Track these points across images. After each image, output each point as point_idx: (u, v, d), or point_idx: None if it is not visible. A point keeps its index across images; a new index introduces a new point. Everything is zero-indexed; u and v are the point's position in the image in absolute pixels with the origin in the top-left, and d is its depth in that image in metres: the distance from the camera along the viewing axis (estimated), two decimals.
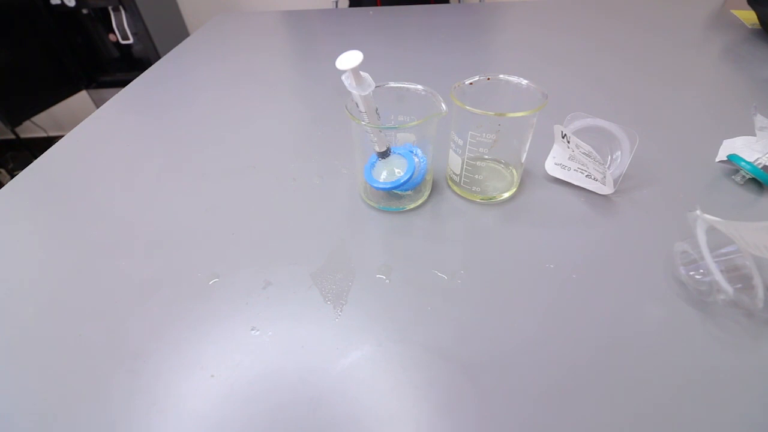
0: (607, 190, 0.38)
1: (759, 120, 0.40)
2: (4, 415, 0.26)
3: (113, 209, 0.42)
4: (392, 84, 0.37)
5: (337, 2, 1.44)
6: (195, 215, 0.40)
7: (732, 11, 0.82)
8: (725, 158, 0.40)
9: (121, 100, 0.64)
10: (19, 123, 1.56)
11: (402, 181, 0.36)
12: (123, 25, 1.54)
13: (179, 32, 1.76)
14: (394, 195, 0.39)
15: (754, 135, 0.40)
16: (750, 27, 0.75)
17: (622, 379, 0.25)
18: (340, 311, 0.30)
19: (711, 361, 0.26)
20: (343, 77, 0.32)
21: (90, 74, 1.69)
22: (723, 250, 0.28)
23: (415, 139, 0.36)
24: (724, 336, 0.27)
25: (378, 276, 0.33)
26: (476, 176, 0.39)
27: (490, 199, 0.39)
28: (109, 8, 1.51)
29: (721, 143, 0.42)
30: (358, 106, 0.33)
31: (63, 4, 1.46)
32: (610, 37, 0.75)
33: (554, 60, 0.67)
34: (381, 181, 0.37)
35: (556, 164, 0.41)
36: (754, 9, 0.70)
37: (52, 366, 0.28)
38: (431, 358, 0.27)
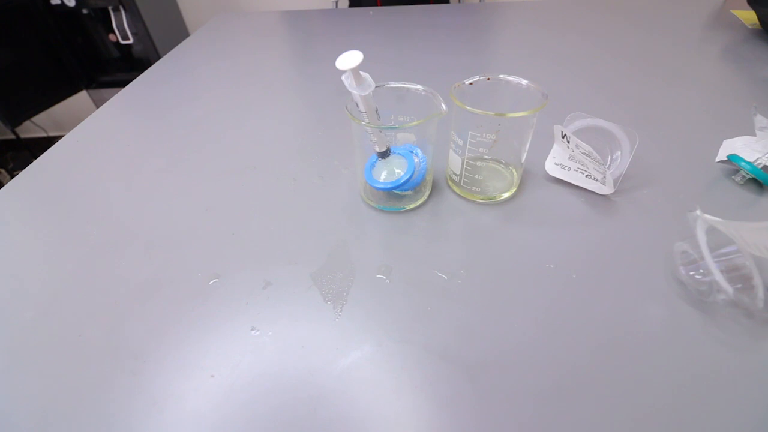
0: (607, 190, 0.38)
1: (759, 120, 0.40)
2: (4, 415, 0.26)
3: (113, 209, 0.42)
4: (392, 84, 0.37)
5: (337, 2, 1.44)
6: (195, 215, 0.40)
7: (732, 11, 0.82)
8: (725, 158, 0.40)
9: (121, 100, 0.64)
10: (19, 123, 1.56)
11: (402, 181, 0.36)
12: (123, 25, 1.54)
13: (179, 32, 1.76)
14: (394, 195, 0.39)
15: (754, 135, 0.40)
16: (750, 27, 0.74)
17: (622, 379, 0.25)
18: (340, 311, 0.30)
19: (711, 361, 0.26)
20: (343, 77, 0.32)
21: (90, 74, 1.69)
22: (723, 250, 0.28)
23: (415, 139, 0.36)
24: (724, 336, 0.27)
25: (378, 276, 0.33)
26: (476, 176, 0.39)
27: (490, 199, 0.39)
28: (109, 8, 1.50)
29: (721, 143, 0.42)
30: (358, 106, 0.33)
31: (63, 4, 1.46)
32: (610, 37, 0.75)
33: (554, 60, 0.67)
34: (381, 181, 0.37)
35: (556, 164, 0.41)
36: (754, 9, 0.70)
37: (52, 366, 0.28)
38: (431, 358, 0.27)
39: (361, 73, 0.32)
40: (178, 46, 0.84)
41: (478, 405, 0.25)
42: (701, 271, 0.29)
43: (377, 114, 0.34)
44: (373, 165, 0.38)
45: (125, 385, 0.27)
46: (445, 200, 0.40)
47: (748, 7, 0.71)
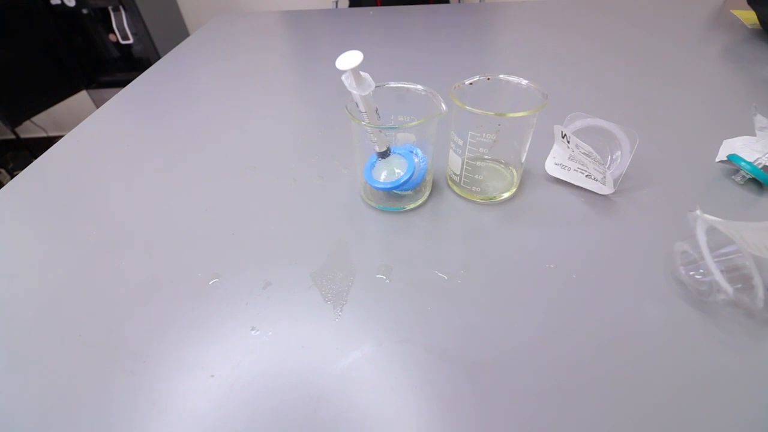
0: (607, 190, 0.38)
1: (759, 120, 0.40)
2: (4, 415, 0.26)
3: (113, 209, 0.42)
4: (392, 84, 0.37)
5: (337, 2, 1.44)
6: (195, 215, 0.40)
7: (732, 11, 0.82)
8: (725, 158, 0.40)
9: (121, 100, 0.64)
10: (19, 123, 1.56)
11: (402, 181, 0.36)
12: (123, 25, 1.54)
13: (179, 32, 1.76)
14: (394, 195, 0.39)
15: (754, 135, 0.40)
16: (750, 27, 0.74)
17: (622, 379, 0.25)
18: (340, 311, 0.30)
19: (711, 361, 0.26)
20: (343, 77, 0.32)
21: (90, 74, 1.69)
22: (723, 250, 0.28)
23: (415, 139, 0.36)
24: (724, 336, 0.27)
25: (378, 276, 0.33)
26: (476, 176, 0.39)
27: (490, 199, 0.39)
28: (109, 8, 1.50)
29: (721, 143, 0.42)
30: (358, 106, 0.33)
31: (63, 4, 1.46)
32: (609, 37, 0.75)
33: (554, 60, 0.67)
34: (381, 181, 0.37)
35: (556, 164, 0.41)
36: (754, 9, 0.70)
37: (52, 366, 0.28)
38: (431, 358, 0.27)
39: (361, 73, 0.32)
40: (178, 46, 0.84)
41: (478, 405, 0.25)
42: (701, 271, 0.29)
43: (377, 114, 0.34)
44: (373, 165, 0.38)
45: (125, 385, 0.27)
46: (445, 200, 0.40)
47: (748, 7, 0.71)
